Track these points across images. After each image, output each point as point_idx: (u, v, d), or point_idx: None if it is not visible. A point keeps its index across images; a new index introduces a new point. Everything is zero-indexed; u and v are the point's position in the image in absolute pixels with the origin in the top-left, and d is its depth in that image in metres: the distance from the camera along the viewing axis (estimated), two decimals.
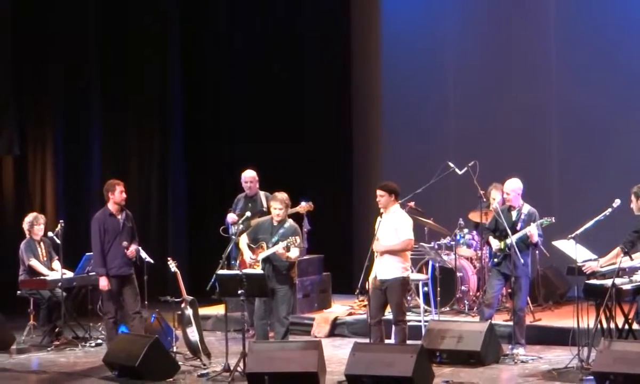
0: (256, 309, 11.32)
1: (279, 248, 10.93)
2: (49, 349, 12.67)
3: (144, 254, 12.24)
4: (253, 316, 11.57)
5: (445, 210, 14.61)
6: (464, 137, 15.65)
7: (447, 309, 13.31)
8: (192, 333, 11.70)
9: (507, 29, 15.62)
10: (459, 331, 11.28)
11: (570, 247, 10.56)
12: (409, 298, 12.96)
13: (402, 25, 16.48)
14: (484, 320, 11.53)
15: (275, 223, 11.20)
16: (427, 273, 13.16)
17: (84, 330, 13.28)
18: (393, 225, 10.86)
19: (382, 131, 16.74)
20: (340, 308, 14.14)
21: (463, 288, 13.41)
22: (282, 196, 11.24)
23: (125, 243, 11.72)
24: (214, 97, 17.25)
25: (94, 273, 12.43)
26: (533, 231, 11.29)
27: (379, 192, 10.91)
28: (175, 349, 11.62)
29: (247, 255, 11.25)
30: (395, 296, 10.82)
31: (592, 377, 9.87)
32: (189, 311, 11.79)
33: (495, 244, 11.52)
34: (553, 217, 11.34)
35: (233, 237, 12.27)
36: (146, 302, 12.29)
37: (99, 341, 12.86)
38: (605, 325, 10.35)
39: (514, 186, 11.56)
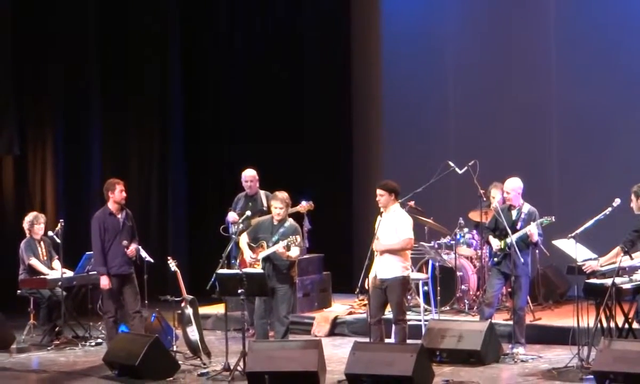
0: (256, 309, 11.32)
1: (280, 247, 10.93)
2: (49, 348, 12.67)
3: (144, 253, 12.24)
4: (253, 315, 11.56)
5: (445, 209, 14.61)
6: (464, 137, 15.65)
7: (447, 308, 13.31)
8: (192, 332, 11.71)
9: (507, 29, 15.62)
10: (459, 330, 11.28)
11: (570, 247, 10.56)
12: (409, 297, 12.96)
13: (402, 25, 16.48)
14: (484, 319, 11.53)
15: (275, 222, 11.20)
16: (427, 272, 13.16)
17: (84, 329, 13.28)
18: (393, 224, 10.86)
19: (382, 131, 16.74)
20: (341, 307, 14.14)
21: (463, 287, 13.42)
22: (283, 195, 11.24)
23: (125, 242, 11.72)
24: (214, 97, 17.26)
25: (94, 272, 12.43)
26: (533, 230, 11.29)
27: (378, 191, 10.91)
28: (175, 349, 11.60)
29: (248, 254, 11.25)
30: (395, 295, 10.82)
31: (592, 376, 9.87)
32: (189, 310, 11.80)
33: (495, 243, 11.51)
34: (553, 217, 11.34)
35: (233, 236, 12.28)
36: (146, 301, 12.27)
37: (99, 340, 12.86)
38: (605, 324, 10.35)
39: (514, 185, 11.56)
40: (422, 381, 9.87)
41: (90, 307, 13.42)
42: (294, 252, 11.04)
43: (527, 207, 11.53)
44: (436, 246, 13.41)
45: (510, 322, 11.66)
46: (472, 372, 10.71)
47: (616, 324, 10.44)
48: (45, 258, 13.18)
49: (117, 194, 11.77)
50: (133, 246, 11.80)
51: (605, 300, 10.01)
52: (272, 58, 16.91)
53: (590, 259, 10.51)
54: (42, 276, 13.00)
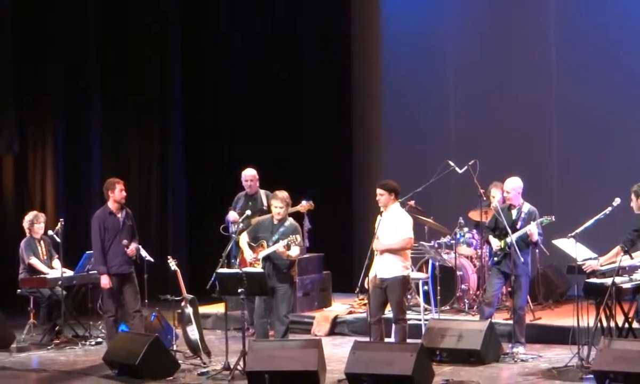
0: (256, 308, 11.32)
1: (280, 247, 10.93)
2: (49, 347, 12.67)
3: (144, 253, 12.24)
4: (253, 314, 11.56)
5: (445, 209, 14.61)
6: (464, 137, 15.65)
7: (447, 307, 13.32)
8: (192, 332, 11.70)
9: (507, 29, 15.63)
10: (459, 329, 11.28)
11: (570, 246, 10.55)
12: (409, 296, 12.96)
13: (402, 25, 16.48)
14: (484, 319, 11.52)
15: (275, 222, 11.20)
16: (427, 272, 13.16)
17: (84, 328, 13.27)
18: (393, 224, 10.86)
19: (382, 131, 16.75)
20: (341, 306, 14.14)
21: (463, 286, 13.42)
22: (283, 194, 11.24)
23: (125, 241, 11.71)
24: (214, 97, 17.26)
25: (94, 272, 12.43)
26: (533, 229, 11.29)
27: (378, 191, 10.91)
28: (175, 348, 11.60)
29: (248, 253, 11.25)
30: (395, 294, 10.82)
31: (592, 376, 9.86)
32: (189, 310, 11.79)
33: (495, 242, 11.51)
34: (553, 216, 11.34)
35: (233, 235, 12.28)
36: (146, 300, 12.28)
37: (99, 339, 12.86)
38: (605, 324, 10.35)
39: (514, 184, 11.56)
40: (422, 380, 9.87)
41: (90, 306, 13.42)
42: (294, 251, 11.04)
43: (527, 207, 11.53)
44: (436, 245, 13.42)
45: (510, 321, 11.67)
46: (472, 371, 10.71)
47: (616, 324, 10.44)
48: (45, 257, 13.18)
49: (117, 193, 11.77)
50: (133, 245, 11.80)
51: (605, 299, 10.01)
52: (272, 58, 16.92)
53: (590, 259, 10.51)
54: (42, 275, 13.00)
